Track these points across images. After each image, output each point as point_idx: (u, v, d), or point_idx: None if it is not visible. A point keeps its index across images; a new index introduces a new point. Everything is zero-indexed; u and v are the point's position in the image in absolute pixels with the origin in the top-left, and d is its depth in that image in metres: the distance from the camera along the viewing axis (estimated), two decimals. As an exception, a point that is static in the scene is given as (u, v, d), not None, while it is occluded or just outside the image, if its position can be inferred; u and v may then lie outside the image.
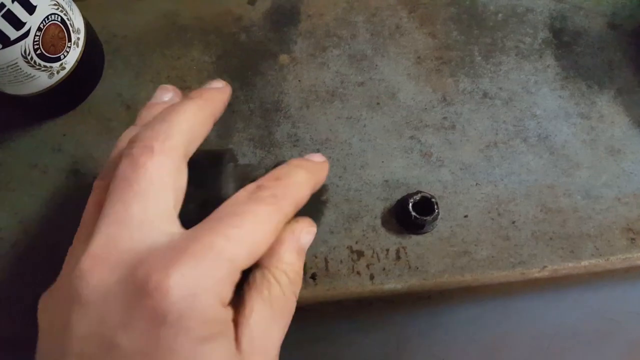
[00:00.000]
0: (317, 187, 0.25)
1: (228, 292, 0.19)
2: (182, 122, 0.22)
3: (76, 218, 0.22)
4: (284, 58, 0.39)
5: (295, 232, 0.24)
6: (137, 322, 0.17)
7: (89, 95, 0.38)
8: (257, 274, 0.22)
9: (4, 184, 0.36)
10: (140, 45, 0.39)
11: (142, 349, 0.17)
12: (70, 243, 0.22)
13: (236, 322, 0.20)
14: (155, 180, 0.20)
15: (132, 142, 0.21)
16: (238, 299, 0.21)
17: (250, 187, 0.22)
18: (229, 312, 0.20)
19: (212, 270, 0.18)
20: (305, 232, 0.25)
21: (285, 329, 0.22)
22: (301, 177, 0.24)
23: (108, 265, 0.18)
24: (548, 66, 0.39)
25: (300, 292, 0.34)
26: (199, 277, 0.18)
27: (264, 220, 0.21)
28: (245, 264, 0.20)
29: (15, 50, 0.30)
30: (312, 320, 0.36)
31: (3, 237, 0.34)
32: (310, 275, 0.34)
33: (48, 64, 0.32)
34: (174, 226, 0.20)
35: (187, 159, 0.22)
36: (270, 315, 0.21)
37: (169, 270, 0.17)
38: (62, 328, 0.18)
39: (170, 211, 0.20)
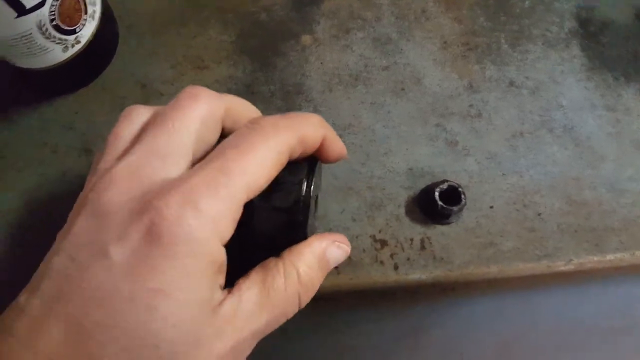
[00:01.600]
0: (333, 149, 0.24)
1: (227, 228, 0.19)
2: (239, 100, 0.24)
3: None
4: (306, 39, 0.38)
5: (324, 239, 0.24)
6: (131, 238, 0.17)
7: (102, 72, 0.36)
8: (272, 261, 0.22)
9: (11, 163, 0.34)
10: (155, 22, 0.37)
11: (128, 262, 0.17)
12: None
13: (230, 291, 0.20)
14: (187, 121, 0.21)
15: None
16: (246, 275, 0.21)
17: (254, 118, 0.22)
18: (224, 254, 0.20)
19: (210, 204, 0.18)
20: (336, 245, 0.24)
21: (271, 327, 0.21)
22: (312, 117, 0.23)
23: (123, 187, 0.19)
24: (574, 56, 0.38)
25: (322, 282, 0.33)
26: (198, 209, 0.18)
27: (262, 150, 0.20)
28: (245, 196, 0.19)
29: (30, 20, 0.28)
30: (331, 310, 0.36)
31: (10, 218, 0.32)
32: (332, 263, 0.33)
33: (63, 37, 0.31)
34: (188, 163, 0.21)
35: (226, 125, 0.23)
36: (263, 303, 0.21)
37: (170, 198, 0.18)
38: (66, 230, 0.19)
39: (189, 150, 0.21)
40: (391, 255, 0.33)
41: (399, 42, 0.37)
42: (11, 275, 0.31)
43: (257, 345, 0.22)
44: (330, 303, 0.34)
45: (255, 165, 0.20)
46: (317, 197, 0.26)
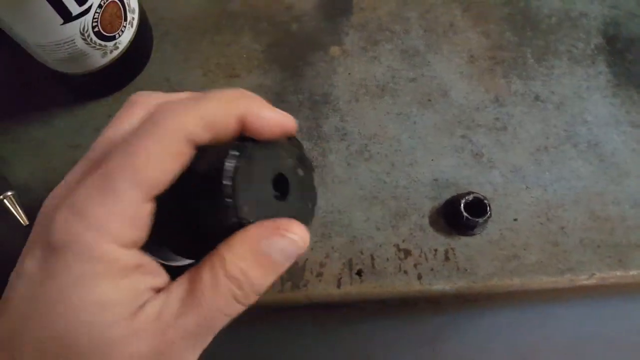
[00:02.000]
0: (262, 125, 0.20)
1: (122, 230, 0.18)
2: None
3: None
4: (334, 50, 0.38)
5: (263, 228, 0.20)
6: (36, 251, 0.18)
7: (136, 77, 0.37)
8: (205, 267, 0.19)
9: (45, 162, 0.35)
10: (190, 30, 0.38)
11: (35, 273, 0.18)
12: None
13: (160, 290, 0.20)
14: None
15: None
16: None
17: (155, 106, 0.20)
18: (131, 256, 0.19)
19: (97, 209, 0.18)
20: (280, 234, 0.20)
21: (205, 327, 0.19)
22: (223, 95, 0.20)
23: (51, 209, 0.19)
24: (600, 72, 0.39)
25: (345, 288, 0.34)
26: (84, 216, 0.18)
27: (151, 146, 0.18)
28: (141, 194, 0.18)
29: (75, 27, 0.29)
30: (353, 317, 0.36)
31: (46, 217, 0.33)
32: (356, 271, 0.33)
33: (103, 43, 0.32)
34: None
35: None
36: (189, 302, 0.19)
37: (61, 210, 0.18)
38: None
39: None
40: (415, 265, 0.33)
41: (427, 54, 0.38)
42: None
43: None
44: (353, 311, 0.35)
45: (145, 162, 0.18)
46: (303, 186, 0.23)
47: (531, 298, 0.35)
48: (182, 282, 0.19)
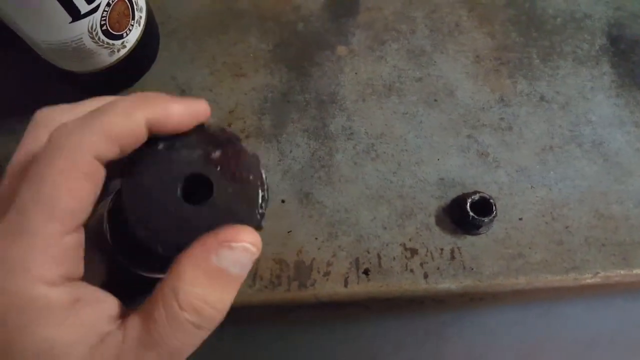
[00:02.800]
0: (172, 122, 0.19)
1: (50, 269, 0.17)
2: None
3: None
4: (341, 49, 0.38)
5: (207, 243, 0.18)
6: None
7: (142, 76, 0.37)
8: (157, 302, 0.18)
9: (52, 162, 0.35)
10: (196, 29, 0.38)
11: None
12: None
13: (120, 324, 0.18)
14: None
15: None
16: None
17: (51, 134, 0.18)
18: (65, 292, 0.17)
19: (13, 249, 0.17)
20: (227, 247, 0.18)
21: None
22: (117, 106, 0.18)
23: None
24: (604, 73, 0.39)
25: (353, 287, 0.34)
26: (4, 260, 0.17)
27: (52, 175, 0.17)
28: (57, 228, 0.17)
29: (83, 25, 0.29)
30: (358, 316, 0.36)
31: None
32: (363, 270, 0.34)
33: (111, 42, 0.32)
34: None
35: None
36: (147, 341, 0.18)
37: None
38: None
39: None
40: (421, 264, 0.34)
41: (433, 54, 0.38)
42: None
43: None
44: (359, 309, 0.35)
45: (55, 192, 0.17)
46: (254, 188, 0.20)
47: (536, 297, 0.36)
48: (135, 320, 0.18)
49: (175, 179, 0.19)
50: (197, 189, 0.20)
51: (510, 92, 0.38)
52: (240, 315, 0.34)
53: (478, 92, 0.38)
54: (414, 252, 0.34)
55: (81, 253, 0.18)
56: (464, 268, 0.34)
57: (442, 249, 0.34)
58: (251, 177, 0.20)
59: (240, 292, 0.33)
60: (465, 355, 0.40)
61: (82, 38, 0.30)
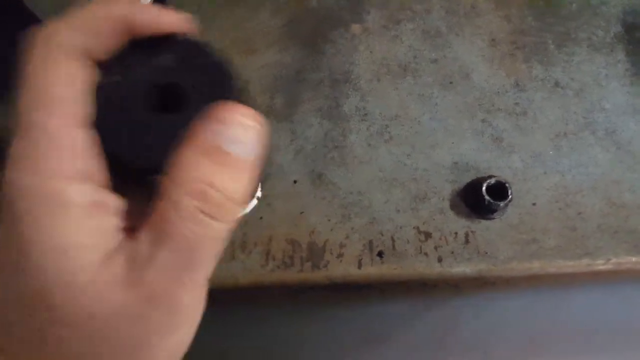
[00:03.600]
0: (150, 23, 0.18)
1: (66, 163, 0.16)
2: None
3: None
4: (355, 27, 0.37)
5: (198, 126, 0.17)
6: None
7: (150, 48, 0.36)
8: (161, 195, 0.17)
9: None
10: (205, 3, 0.37)
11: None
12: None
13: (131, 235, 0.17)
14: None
15: None
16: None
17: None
18: (85, 192, 0.17)
19: (24, 146, 0.16)
20: (222, 123, 0.16)
21: (193, 280, 0.17)
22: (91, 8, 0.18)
23: None
24: (619, 61, 0.39)
25: (366, 269, 0.33)
26: (17, 157, 0.16)
27: (38, 68, 0.17)
28: (40, 115, 0.16)
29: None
30: (371, 298, 0.36)
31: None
32: (377, 252, 0.33)
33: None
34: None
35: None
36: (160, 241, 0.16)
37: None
38: None
39: None
40: (435, 248, 0.33)
41: (449, 36, 0.38)
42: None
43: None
44: (372, 292, 0.34)
45: (45, 86, 0.17)
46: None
47: (547, 282, 0.35)
48: (146, 223, 0.17)
49: (146, 92, 0.18)
50: (169, 98, 0.19)
51: (525, 77, 0.37)
52: (252, 295, 0.34)
53: (493, 75, 0.37)
54: (427, 235, 0.34)
55: (95, 151, 0.17)
56: (479, 252, 0.33)
57: (456, 233, 0.34)
58: (213, 61, 0.19)
59: (252, 271, 0.32)
60: (475, 339, 0.40)
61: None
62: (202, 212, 0.16)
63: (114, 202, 0.18)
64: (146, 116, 0.18)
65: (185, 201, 0.16)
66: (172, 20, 0.19)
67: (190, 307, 0.17)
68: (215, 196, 0.16)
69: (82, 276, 0.16)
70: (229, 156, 0.17)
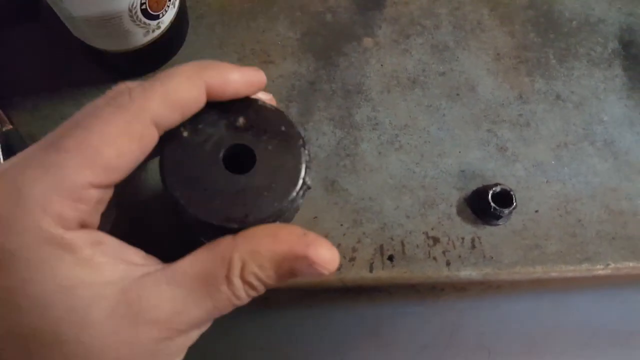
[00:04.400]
0: (230, 90, 0.19)
1: (62, 208, 0.16)
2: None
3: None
4: (367, 41, 0.39)
5: (294, 245, 0.18)
6: None
7: (170, 59, 0.37)
8: (217, 261, 0.18)
9: (78, 141, 0.35)
10: (225, 14, 0.39)
11: None
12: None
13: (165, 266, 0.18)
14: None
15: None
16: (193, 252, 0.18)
17: (110, 91, 0.19)
18: (84, 235, 0.17)
19: (34, 186, 0.16)
20: (307, 265, 0.18)
21: (205, 328, 0.18)
22: (179, 72, 0.18)
23: None
24: (616, 76, 0.41)
25: (378, 273, 0.35)
26: (20, 194, 0.16)
27: (108, 126, 0.17)
28: (88, 178, 0.17)
29: (124, 3, 0.29)
30: (379, 302, 0.37)
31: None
32: (387, 256, 0.34)
33: (147, 22, 0.32)
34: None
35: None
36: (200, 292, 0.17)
37: None
38: None
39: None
40: (443, 252, 0.35)
41: (456, 50, 0.39)
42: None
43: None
44: (381, 295, 0.36)
45: (99, 140, 0.17)
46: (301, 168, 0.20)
47: (549, 286, 0.37)
48: (190, 268, 0.17)
49: (216, 152, 0.19)
50: (235, 159, 0.20)
51: (528, 89, 0.39)
52: (266, 298, 0.35)
53: (498, 88, 0.39)
54: (436, 240, 0.35)
55: (101, 209, 0.18)
56: (484, 257, 0.35)
57: (463, 238, 0.35)
58: (283, 129, 0.20)
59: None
60: (479, 340, 0.41)
61: (121, 16, 0.30)
62: (236, 297, 0.18)
63: (114, 241, 0.18)
64: (211, 171, 0.19)
65: (238, 284, 0.17)
66: (249, 86, 0.20)
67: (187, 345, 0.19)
68: (260, 291, 0.18)
69: (97, 311, 0.16)
70: (291, 276, 0.18)
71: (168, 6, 0.33)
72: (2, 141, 0.32)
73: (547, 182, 0.37)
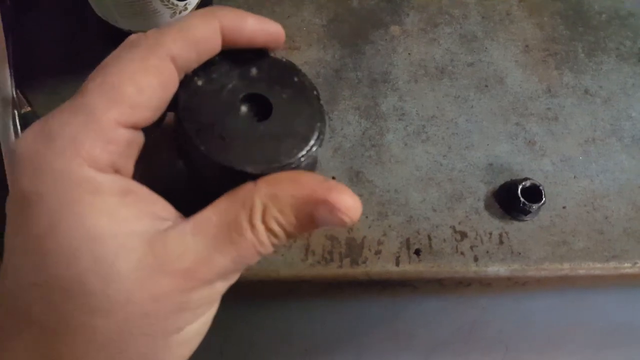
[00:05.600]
0: (249, 34, 0.19)
1: (93, 150, 0.16)
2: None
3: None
4: (395, 29, 0.38)
5: (315, 190, 0.17)
6: (12, 194, 0.17)
7: (193, 42, 0.36)
8: (240, 209, 0.17)
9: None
10: (249, -2, 0.38)
11: (14, 191, 0.16)
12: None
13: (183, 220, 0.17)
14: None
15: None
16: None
17: (131, 37, 0.19)
18: (115, 181, 0.17)
19: (65, 129, 0.16)
20: (330, 212, 0.17)
21: (232, 279, 0.18)
22: (199, 13, 0.18)
23: None
24: (645, 71, 0.40)
25: (404, 266, 0.34)
26: (50, 138, 0.16)
27: (129, 65, 0.17)
28: (114, 116, 0.17)
29: (154, -19, 0.28)
30: (403, 295, 0.36)
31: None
32: (414, 250, 0.34)
33: (176, 2, 0.31)
34: None
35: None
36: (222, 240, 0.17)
37: (27, 135, 0.17)
38: None
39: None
40: (471, 247, 0.34)
41: (484, 40, 0.39)
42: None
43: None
44: (404, 289, 0.35)
45: (119, 78, 0.17)
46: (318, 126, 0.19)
47: (573, 284, 0.36)
48: (213, 216, 0.17)
49: (232, 100, 0.19)
50: (251, 108, 0.20)
51: (556, 83, 0.38)
52: (289, 290, 0.34)
53: (526, 81, 0.38)
54: (463, 235, 0.34)
55: (134, 153, 0.18)
56: (512, 252, 0.34)
57: (490, 233, 0.35)
58: (296, 79, 0.20)
59: (293, 266, 0.32)
60: (498, 336, 0.41)
61: (149, -6, 0.29)
62: (272, 242, 0.17)
63: (144, 191, 0.18)
64: (229, 118, 0.19)
65: (262, 231, 0.17)
66: (266, 36, 0.20)
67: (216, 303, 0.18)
68: (282, 239, 0.18)
69: (124, 263, 0.16)
70: (313, 225, 0.18)
71: (195, -14, 0.32)
72: (21, 123, 0.31)
73: (574, 177, 0.37)
